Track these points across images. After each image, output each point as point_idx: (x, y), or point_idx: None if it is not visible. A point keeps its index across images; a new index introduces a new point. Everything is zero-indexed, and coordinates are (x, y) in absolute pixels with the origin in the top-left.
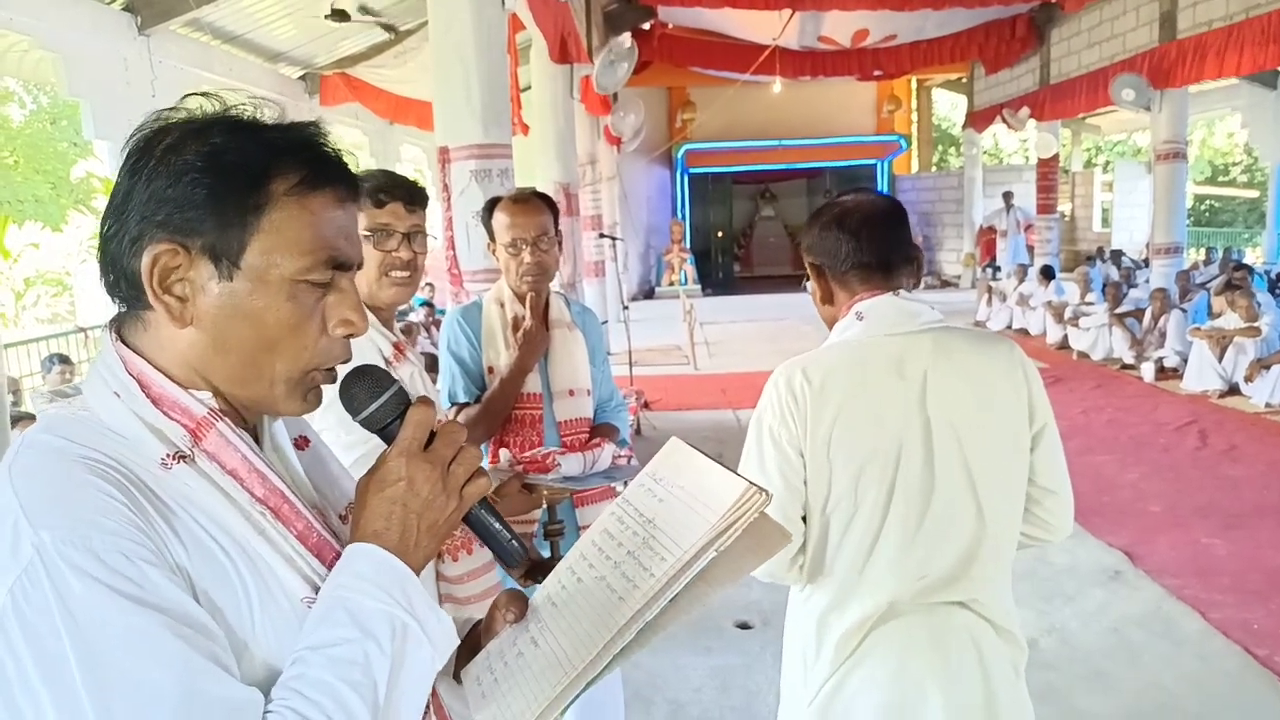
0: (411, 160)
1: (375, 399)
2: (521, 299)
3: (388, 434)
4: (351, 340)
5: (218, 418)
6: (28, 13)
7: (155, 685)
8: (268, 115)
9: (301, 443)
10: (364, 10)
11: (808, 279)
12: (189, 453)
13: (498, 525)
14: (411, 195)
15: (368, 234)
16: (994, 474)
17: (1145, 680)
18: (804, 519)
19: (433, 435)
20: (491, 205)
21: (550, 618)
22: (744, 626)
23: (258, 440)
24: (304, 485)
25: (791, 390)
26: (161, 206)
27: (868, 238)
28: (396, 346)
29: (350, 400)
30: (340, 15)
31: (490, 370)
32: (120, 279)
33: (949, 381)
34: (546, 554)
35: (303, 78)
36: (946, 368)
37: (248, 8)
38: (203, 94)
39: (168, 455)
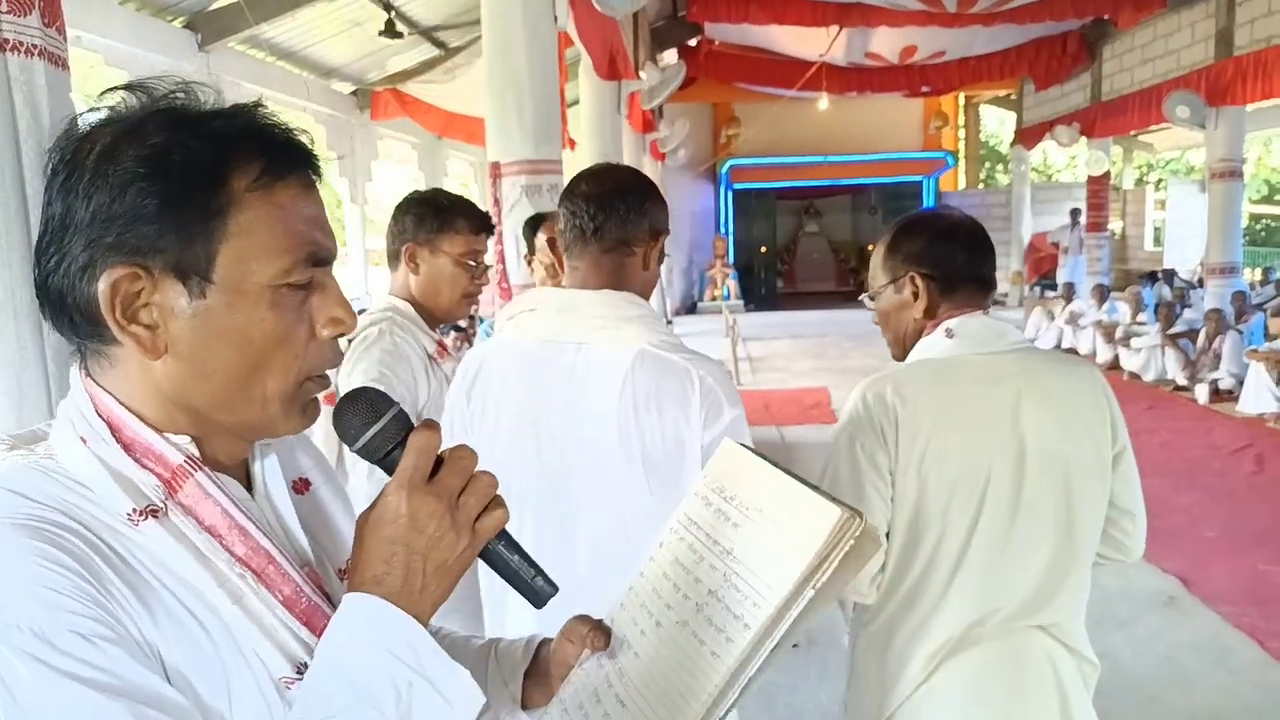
0: (458, 175)
1: (370, 425)
2: None
3: (389, 463)
4: (398, 343)
5: (196, 467)
6: (96, 31)
7: None
8: (202, 100)
9: (301, 486)
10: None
11: (870, 293)
12: (160, 506)
13: (519, 560)
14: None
15: (466, 258)
16: (1084, 496)
17: (1201, 709)
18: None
19: (439, 463)
20: (536, 222)
21: (634, 671)
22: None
23: (249, 484)
24: (297, 539)
25: (883, 406)
26: (109, 225)
27: (979, 252)
28: (439, 344)
29: (343, 428)
30: (393, 32)
31: None
32: (73, 314)
33: (1040, 403)
34: None
35: (355, 93)
36: (1037, 389)
37: (303, 25)
38: (124, 86)
39: (134, 511)
